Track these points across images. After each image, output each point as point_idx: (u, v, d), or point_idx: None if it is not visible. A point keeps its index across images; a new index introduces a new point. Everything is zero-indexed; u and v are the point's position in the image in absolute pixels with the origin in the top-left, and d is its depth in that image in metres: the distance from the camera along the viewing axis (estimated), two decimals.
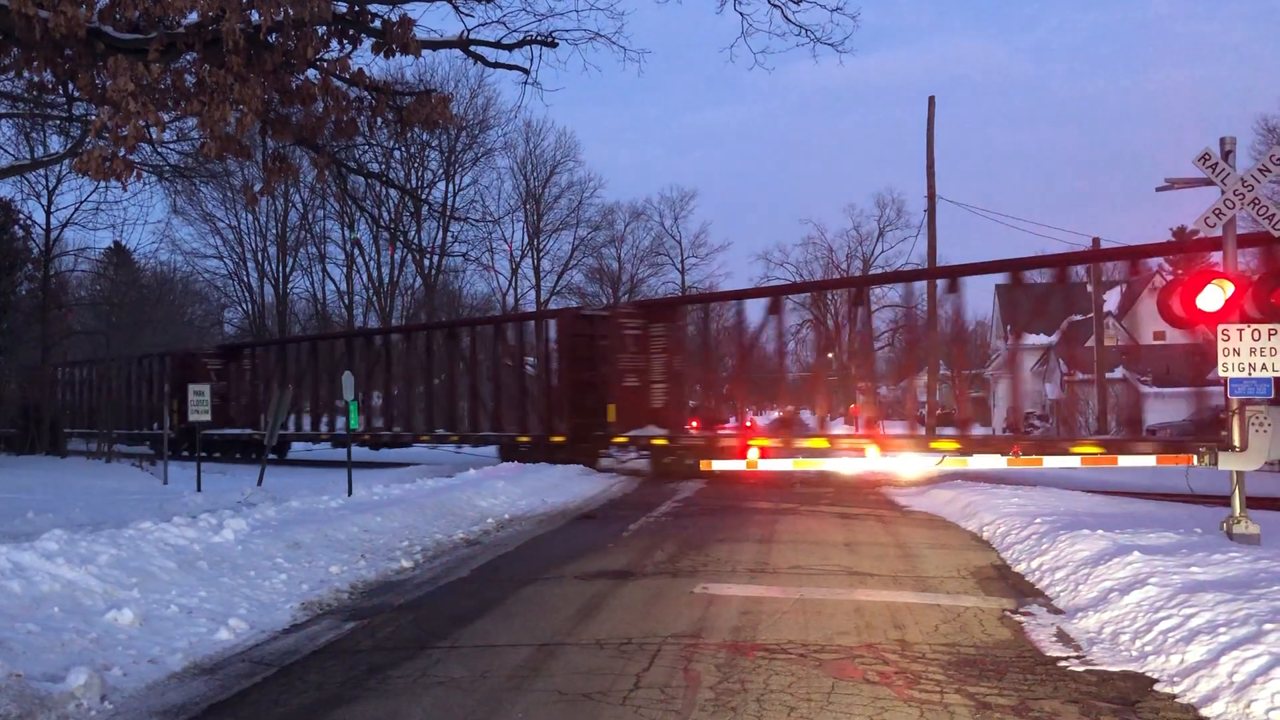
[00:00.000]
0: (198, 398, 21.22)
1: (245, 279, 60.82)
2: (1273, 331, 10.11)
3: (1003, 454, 12.49)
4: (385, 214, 52.22)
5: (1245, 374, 10.18)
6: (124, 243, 44.47)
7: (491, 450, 29.01)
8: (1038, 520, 12.18)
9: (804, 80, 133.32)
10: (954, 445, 19.50)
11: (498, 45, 13.53)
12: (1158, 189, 11.78)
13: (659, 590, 9.42)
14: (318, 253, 60.19)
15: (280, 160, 11.76)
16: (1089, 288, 24.21)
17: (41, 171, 32.23)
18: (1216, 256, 12.07)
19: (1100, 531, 10.60)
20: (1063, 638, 7.45)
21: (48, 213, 35.58)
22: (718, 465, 14.08)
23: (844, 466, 15.78)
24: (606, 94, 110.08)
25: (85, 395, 44.10)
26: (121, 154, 9.85)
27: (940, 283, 24.01)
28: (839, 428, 28.47)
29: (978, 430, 31.10)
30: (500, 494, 17.69)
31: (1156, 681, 6.20)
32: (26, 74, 11.21)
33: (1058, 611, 8.39)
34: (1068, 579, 9.25)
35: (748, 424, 27.38)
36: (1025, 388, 28.56)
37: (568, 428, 26.14)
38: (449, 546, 12.68)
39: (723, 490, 20.54)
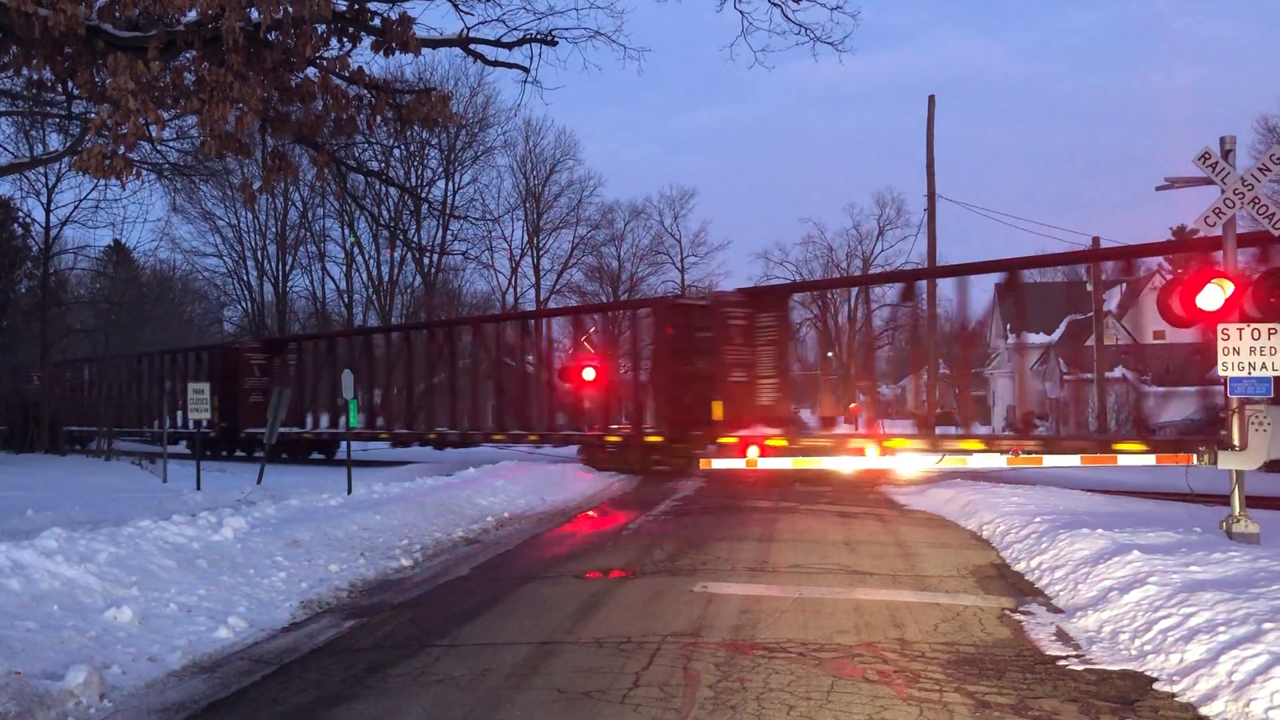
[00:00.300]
0: (197, 396, 21.22)
1: (245, 277, 60.84)
2: (1272, 331, 10.11)
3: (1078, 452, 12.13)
4: (385, 212, 52.18)
5: (1245, 373, 10.17)
6: (123, 241, 44.44)
7: (570, 451, 27.46)
8: (1037, 519, 12.18)
9: (804, 79, 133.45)
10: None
11: (497, 44, 13.53)
12: (1158, 188, 11.78)
13: (658, 589, 9.42)
14: (317, 251, 60.21)
15: (280, 158, 11.75)
16: (1089, 287, 24.20)
17: (41, 169, 32.22)
18: (1217, 256, 12.07)
19: (1100, 530, 10.60)
20: (1062, 637, 7.45)
21: (47, 211, 35.56)
22: (717, 464, 14.08)
23: (842, 465, 15.77)
24: (606, 93, 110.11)
25: (105, 393, 42.04)
26: (121, 151, 9.84)
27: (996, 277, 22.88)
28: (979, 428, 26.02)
29: (977, 429, 30.94)
30: (500, 492, 17.69)
31: (1156, 680, 6.20)
32: (26, 72, 11.20)
33: (1057, 610, 8.39)
34: (1067, 578, 9.26)
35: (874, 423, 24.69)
36: (1026, 386, 28.47)
37: (665, 427, 24.26)
38: (448, 545, 12.68)
39: (722, 489, 20.53)
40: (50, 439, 36.06)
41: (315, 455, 34.31)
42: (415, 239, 55.18)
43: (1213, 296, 10.43)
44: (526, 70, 14.17)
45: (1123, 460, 12.71)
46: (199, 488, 19.94)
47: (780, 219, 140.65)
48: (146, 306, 40.41)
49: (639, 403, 25.95)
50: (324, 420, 33.34)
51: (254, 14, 9.84)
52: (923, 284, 26.49)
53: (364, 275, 59.15)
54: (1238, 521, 10.38)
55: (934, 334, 26.94)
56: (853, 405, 28.41)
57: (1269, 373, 10.13)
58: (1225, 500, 10.78)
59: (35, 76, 11.59)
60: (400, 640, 7.57)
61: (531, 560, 11.49)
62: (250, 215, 57.39)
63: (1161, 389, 20.90)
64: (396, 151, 48.42)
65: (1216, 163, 10.64)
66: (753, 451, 12.30)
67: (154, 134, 10.54)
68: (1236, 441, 10.49)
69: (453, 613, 8.51)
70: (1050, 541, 10.70)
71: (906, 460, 17.34)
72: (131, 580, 8.46)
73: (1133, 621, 7.34)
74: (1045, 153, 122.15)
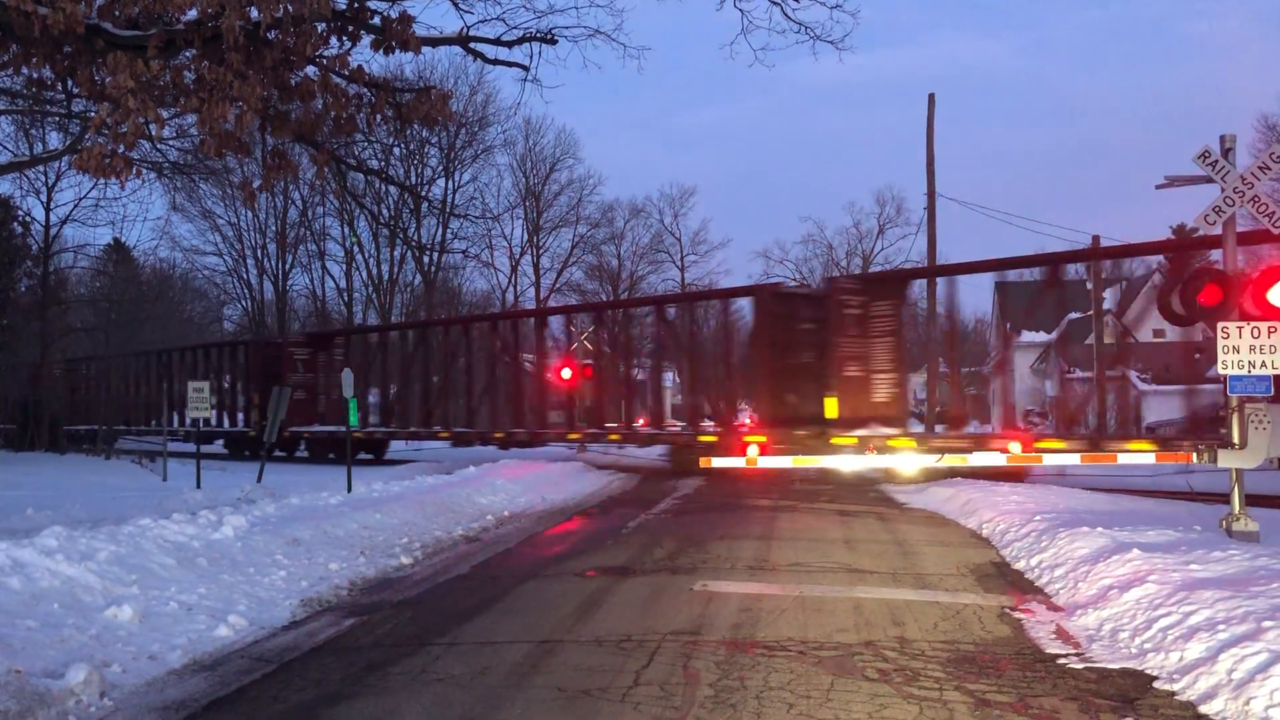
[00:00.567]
0: (197, 394, 21.21)
1: (245, 276, 60.83)
2: (1272, 329, 10.11)
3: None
4: (385, 211, 52.16)
5: (1245, 371, 10.18)
6: (123, 239, 44.49)
7: (654, 451, 26.25)
8: (1037, 518, 12.18)
9: (804, 77, 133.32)
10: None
11: (497, 42, 13.52)
12: (1157, 186, 11.78)
13: (658, 587, 9.42)
14: (317, 249, 60.22)
15: (279, 157, 11.75)
16: (1088, 285, 24.20)
17: (41, 168, 32.25)
18: (1216, 254, 12.08)
19: (1099, 529, 10.60)
20: (1062, 635, 7.46)
21: (47, 209, 35.60)
22: (717, 462, 14.06)
23: (842, 464, 15.77)
24: (606, 91, 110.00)
25: (127, 390, 40.25)
26: (121, 150, 9.84)
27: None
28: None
29: (974, 428, 30.81)
30: (500, 491, 17.70)
31: (1156, 679, 6.20)
32: (25, 70, 11.20)
33: (1057, 609, 8.40)
34: (1067, 576, 9.26)
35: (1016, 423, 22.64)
36: (1025, 385, 28.43)
37: (766, 426, 22.29)
38: (448, 543, 12.69)
39: (722, 487, 20.54)
40: (50, 438, 36.06)
41: (363, 455, 32.13)
42: (415, 237, 55.17)
43: (1213, 295, 10.43)
44: (526, 69, 14.17)
45: (1122, 459, 12.69)
46: (199, 486, 19.94)
47: (780, 217, 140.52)
48: (146, 305, 40.43)
49: (730, 400, 24.55)
50: (373, 419, 31.94)
51: (254, 13, 9.83)
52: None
53: (364, 274, 59.18)
54: (1237, 520, 10.39)
55: (933, 332, 26.87)
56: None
57: (1268, 371, 10.14)
58: (1225, 499, 10.79)
59: (35, 75, 11.59)
60: (400, 638, 7.57)
61: (531, 558, 11.49)
62: (250, 214, 57.41)
63: (1160, 387, 20.91)
64: (396, 150, 48.50)
65: (1216, 161, 10.64)
66: (753, 450, 12.29)
67: (154, 133, 10.51)
68: (1236, 440, 10.49)
69: (453, 611, 8.51)
70: (1050, 540, 10.71)
71: (906, 459, 17.31)
72: (132, 579, 8.46)
73: (1133, 620, 7.34)
74: (1045, 151, 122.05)
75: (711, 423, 24.62)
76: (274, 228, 58.86)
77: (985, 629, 7.68)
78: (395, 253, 57.28)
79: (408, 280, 59.90)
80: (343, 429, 30.05)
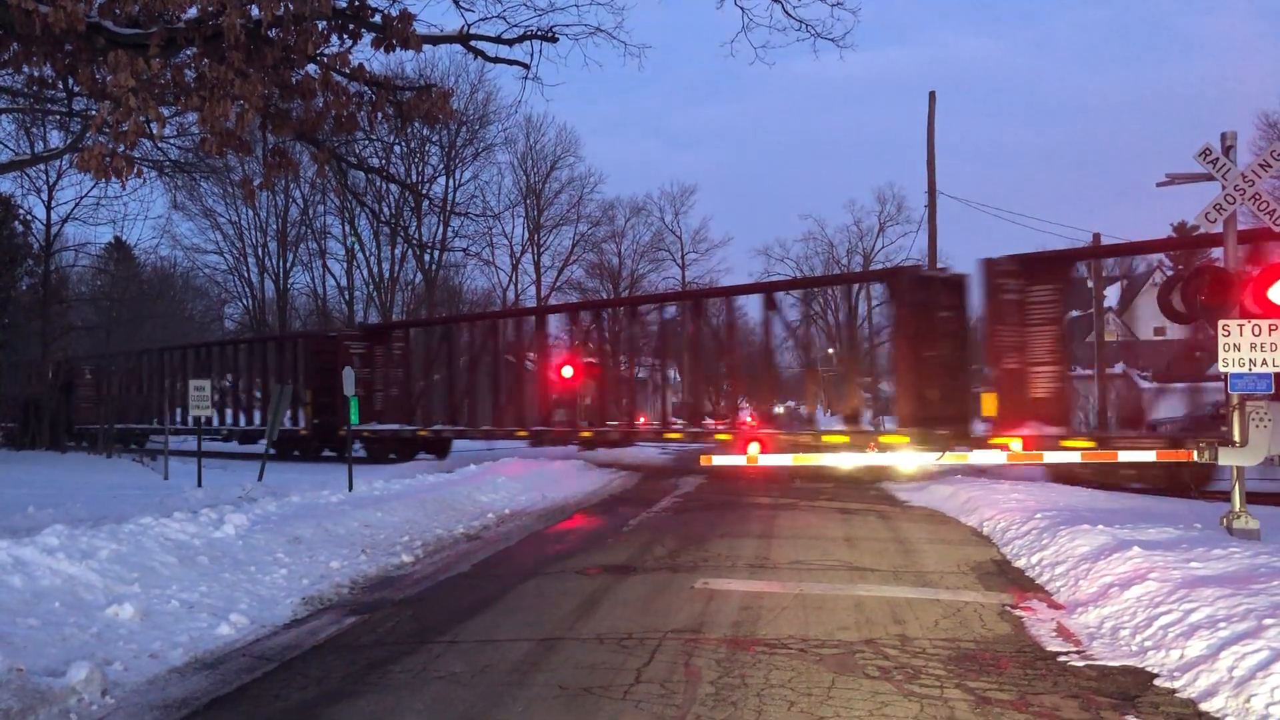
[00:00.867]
0: (198, 393, 21.21)
1: (245, 274, 60.77)
2: (1273, 327, 10.11)
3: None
4: (386, 209, 52.14)
5: (1245, 369, 10.18)
6: (124, 238, 44.39)
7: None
8: (1038, 515, 12.19)
9: (804, 75, 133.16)
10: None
11: (498, 40, 13.51)
12: (1158, 184, 11.77)
13: (659, 585, 9.43)
14: (318, 248, 60.21)
15: (280, 155, 11.75)
16: (1089, 283, 24.18)
17: (42, 166, 32.22)
18: (1217, 252, 12.07)
19: (1100, 526, 10.61)
20: (1063, 633, 7.46)
21: (48, 208, 35.57)
22: (717, 460, 14.06)
23: (842, 461, 15.77)
24: (607, 89, 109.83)
25: (159, 388, 38.00)
26: (121, 150, 9.84)
27: None
28: None
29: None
30: (500, 489, 17.70)
31: (1156, 676, 6.21)
32: (26, 69, 11.19)
33: (1058, 607, 8.40)
34: (1068, 574, 9.26)
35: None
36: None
37: (909, 423, 20.45)
38: (449, 541, 12.70)
39: (723, 485, 20.54)
40: (51, 436, 36.08)
41: (423, 455, 30.32)
42: (416, 236, 55.14)
43: (1214, 293, 10.43)
44: (527, 67, 14.15)
45: (1123, 456, 12.70)
46: (200, 485, 19.95)
47: (781, 215, 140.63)
48: (148, 303, 40.40)
49: (855, 394, 22.76)
50: (438, 417, 30.14)
51: (255, 11, 9.83)
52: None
53: (365, 272, 59.18)
54: (1238, 517, 10.39)
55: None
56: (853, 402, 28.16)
57: (1269, 369, 10.14)
58: (1225, 496, 10.78)
59: (36, 73, 11.58)
60: (401, 637, 7.58)
61: (533, 557, 11.50)
62: (251, 212, 57.36)
63: (1160, 385, 20.87)
64: (397, 148, 48.42)
65: (1217, 159, 10.63)
66: (753, 448, 12.29)
67: (155, 131, 10.51)
68: (1237, 438, 10.49)
69: (454, 609, 8.52)
70: (1051, 538, 10.71)
71: (906, 456, 17.30)
72: (133, 577, 8.47)
73: (1133, 617, 7.34)
74: (1046, 149, 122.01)
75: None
76: (275, 226, 58.87)
77: (986, 627, 7.69)
78: (396, 251, 57.29)
79: (409, 279, 59.93)
80: (406, 427, 29.59)
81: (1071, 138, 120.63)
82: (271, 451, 30.46)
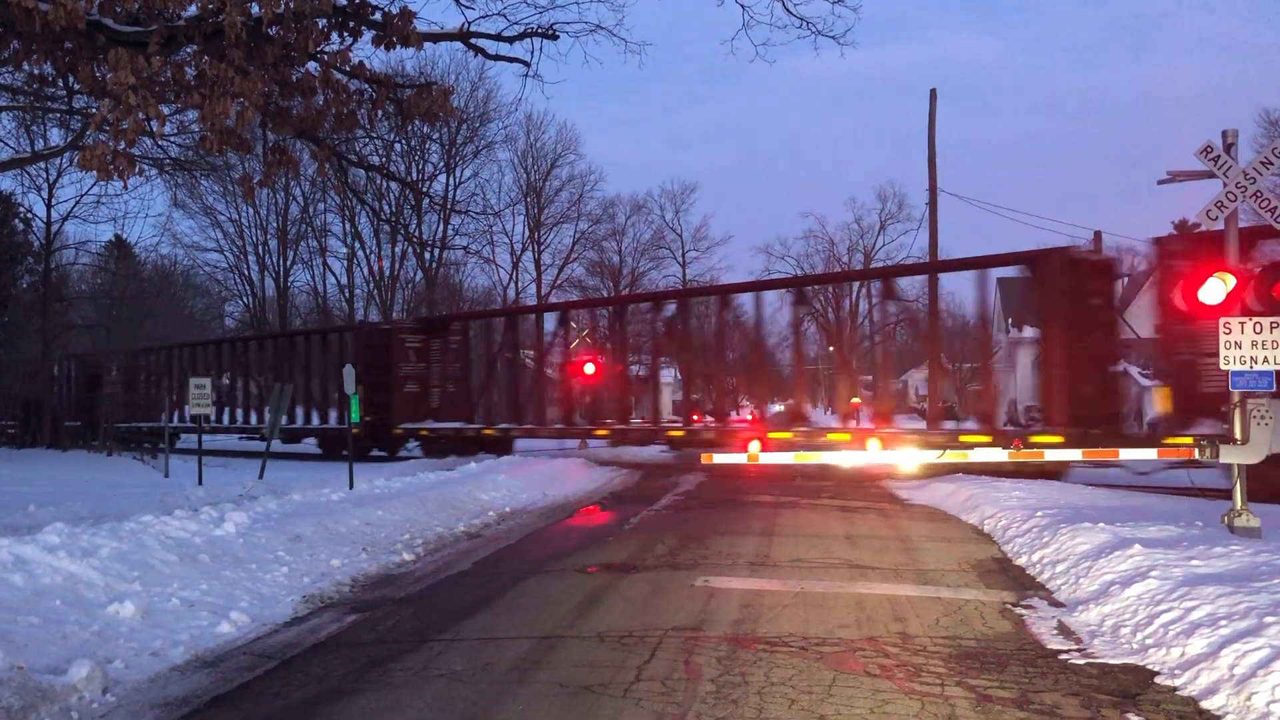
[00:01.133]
0: (198, 391, 21.21)
1: (246, 272, 60.74)
2: (1274, 325, 10.10)
3: None
4: (386, 207, 52.12)
5: (1247, 367, 10.16)
6: (125, 236, 44.43)
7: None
8: (1039, 513, 12.18)
9: (805, 73, 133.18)
10: None
11: (498, 38, 13.49)
12: (1160, 182, 11.75)
13: (660, 583, 9.42)
14: (318, 246, 60.20)
15: (280, 153, 11.74)
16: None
17: (42, 164, 32.22)
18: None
19: (1101, 524, 10.60)
20: (1064, 631, 7.46)
21: (48, 206, 35.59)
22: (718, 458, 14.04)
23: (843, 460, 15.75)
24: (608, 87, 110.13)
25: (184, 384, 36.97)
26: (122, 147, 9.83)
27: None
28: None
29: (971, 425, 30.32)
30: (501, 487, 17.70)
31: (1157, 674, 6.20)
32: (27, 66, 11.19)
33: (1059, 604, 8.40)
34: (1069, 572, 9.26)
35: None
36: (1026, 381, 28.15)
37: (1063, 422, 18.55)
38: (450, 539, 12.70)
39: (724, 483, 20.53)
40: (52, 434, 36.08)
41: (484, 456, 27.10)
42: (416, 233, 55.12)
43: (1214, 290, 10.42)
44: (527, 64, 14.14)
45: (1124, 455, 12.67)
46: (201, 483, 19.95)
47: (781, 213, 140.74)
48: (148, 301, 40.39)
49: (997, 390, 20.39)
50: (499, 414, 28.77)
51: (255, 8, 9.82)
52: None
53: (365, 270, 59.18)
54: (1239, 515, 10.38)
55: (935, 328, 26.78)
56: (854, 400, 28.06)
57: (1270, 366, 10.12)
58: (1226, 494, 10.77)
59: (36, 71, 11.58)
60: (402, 635, 7.58)
61: (533, 555, 11.49)
62: (251, 210, 57.32)
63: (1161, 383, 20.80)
64: (397, 146, 48.35)
65: (1219, 156, 10.62)
66: (754, 446, 12.28)
67: (155, 129, 10.48)
68: (1238, 436, 10.48)
69: (454, 607, 8.52)
70: (1052, 536, 10.71)
71: (907, 455, 17.29)
72: (134, 575, 8.47)
73: (1134, 615, 7.34)
74: (1047, 147, 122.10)
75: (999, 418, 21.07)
76: (275, 224, 58.86)
77: (987, 625, 7.68)
78: (396, 249, 57.28)
79: (409, 276, 59.93)
80: (469, 425, 27.81)
81: (1072, 135, 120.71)
82: (375, 452, 29.11)
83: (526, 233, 61.82)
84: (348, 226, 56.92)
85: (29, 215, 35.64)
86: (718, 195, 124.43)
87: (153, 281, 45.74)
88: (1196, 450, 10.83)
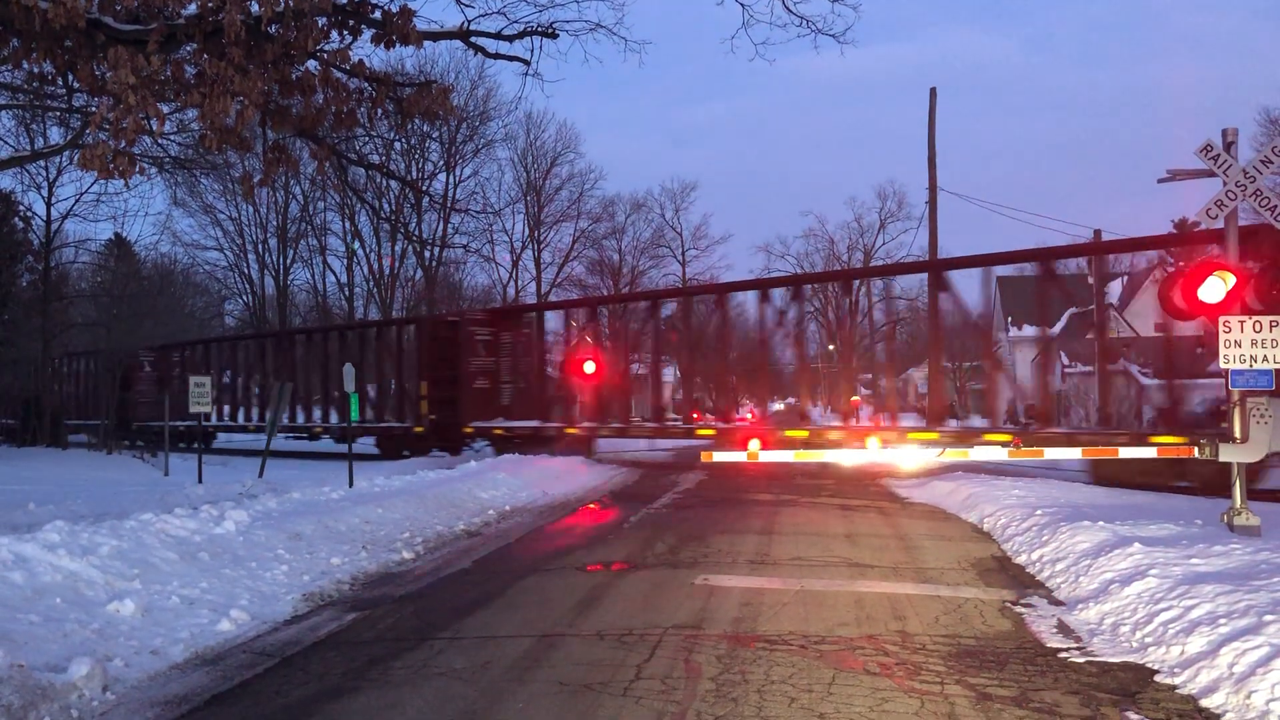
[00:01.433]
0: (198, 389, 21.21)
1: (246, 270, 60.77)
2: (1274, 323, 10.10)
3: None
4: (386, 205, 52.12)
5: (1246, 366, 10.17)
6: (124, 234, 44.25)
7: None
8: (1038, 512, 12.19)
9: (805, 72, 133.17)
10: None
11: (498, 36, 13.48)
12: (1159, 180, 11.77)
13: (660, 581, 9.43)
14: (318, 244, 60.20)
15: (280, 151, 11.73)
16: (1090, 279, 24.18)
17: (42, 163, 32.18)
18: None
19: (1101, 523, 10.61)
20: (1063, 629, 7.46)
21: (48, 204, 35.51)
22: (718, 457, 14.05)
23: (843, 458, 15.75)
24: (607, 86, 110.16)
25: (235, 383, 34.14)
26: (121, 146, 9.83)
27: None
28: None
29: (977, 422, 30.23)
30: (501, 486, 17.70)
31: (1157, 672, 6.21)
32: (26, 65, 11.18)
33: (1058, 603, 8.40)
34: (1068, 570, 9.26)
35: None
36: (1025, 380, 28.17)
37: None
38: (450, 538, 12.70)
39: (723, 481, 20.54)
40: (52, 433, 36.04)
41: (566, 453, 25.82)
42: (416, 232, 55.12)
43: (1214, 289, 10.42)
44: (527, 63, 14.12)
45: (1124, 453, 12.67)
46: (201, 481, 19.96)
47: (781, 212, 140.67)
48: (148, 300, 40.29)
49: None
50: (580, 412, 27.06)
51: (255, 7, 9.81)
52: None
53: (365, 269, 59.18)
54: (1239, 514, 10.38)
55: (936, 326, 26.75)
56: (854, 399, 28.03)
57: (1270, 365, 10.13)
58: (1226, 493, 10.78)
59: (36, 70, 11.57)
60: (402, 633, 7.58)
61: (533, 553, 11.50)
62: (251, 209, 57.35)
63: (1162, 382, 20.81)
64: (397, 145, 48.35)
65: (1218, 155, 10.62)
66: (754, 444, 12.28)
67: (154, 128, 10.47)
68: (1238, 434, 10.49)
69: (454, 605, 8.52)
70: (1051, 534, 10.71)
71: (906, 453, 17.29)
72: (134, 573, 8.47)
73: (1134, 614, 7.35)
74: (1047, 146, 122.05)
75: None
76: (275, 223, 58.87)
77: (986, 623, 7.69)
78: (396, 247, 57.29)
79: (409, 275, 59.93)
80: (548, 424, 26.05)
81: (1072, 134, 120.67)
82: (435, 452, 26.98)
83: (526, 231, 61.89)
84: (347, 225, 56.97)
85: (29, 214, 35.61)
86: (717, 194, 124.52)
87: (153, 280, 45.62)
88: (1196, 449, 10.84)
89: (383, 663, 6.70)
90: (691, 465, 23.17)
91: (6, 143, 29.13)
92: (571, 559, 10.89)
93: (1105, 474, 17.14)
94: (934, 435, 19.76)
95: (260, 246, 59.77)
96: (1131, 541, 9.27)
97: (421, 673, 6.43)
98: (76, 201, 35.08)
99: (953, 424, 22.68)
